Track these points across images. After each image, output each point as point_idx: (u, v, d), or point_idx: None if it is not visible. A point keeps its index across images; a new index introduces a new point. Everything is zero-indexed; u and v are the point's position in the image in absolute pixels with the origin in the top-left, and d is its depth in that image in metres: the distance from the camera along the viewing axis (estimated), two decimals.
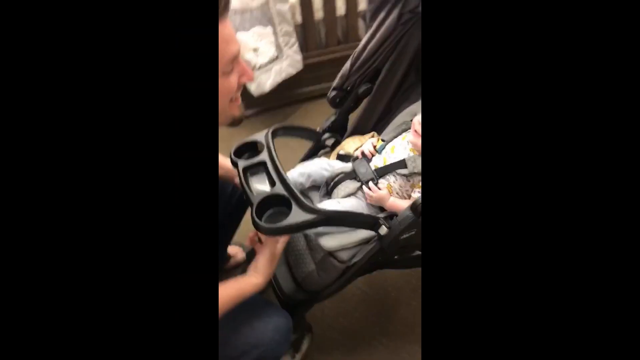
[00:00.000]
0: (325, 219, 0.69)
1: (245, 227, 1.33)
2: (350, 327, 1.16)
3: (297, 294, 0.94)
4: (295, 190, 0.70)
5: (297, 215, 0.68)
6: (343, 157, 0.94)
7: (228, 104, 0.64)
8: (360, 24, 1.89)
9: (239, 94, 0.66)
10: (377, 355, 1.10)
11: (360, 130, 1.01)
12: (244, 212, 1.10)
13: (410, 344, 1.11)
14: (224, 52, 0.55)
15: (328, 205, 0.83)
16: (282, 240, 0.76)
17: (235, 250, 1.36)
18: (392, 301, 1.21)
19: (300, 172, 0.88)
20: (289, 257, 0.99)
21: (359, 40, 1.98)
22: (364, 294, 1.24)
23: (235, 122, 0.68)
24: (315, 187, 0.92)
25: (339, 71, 0.93)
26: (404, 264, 1.01)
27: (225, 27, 0.56)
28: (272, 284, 0.97)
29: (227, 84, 0.60)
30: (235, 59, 0.59)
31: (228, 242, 1.21)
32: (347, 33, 1.89)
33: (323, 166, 0.89)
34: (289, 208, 0.69)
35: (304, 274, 0.92)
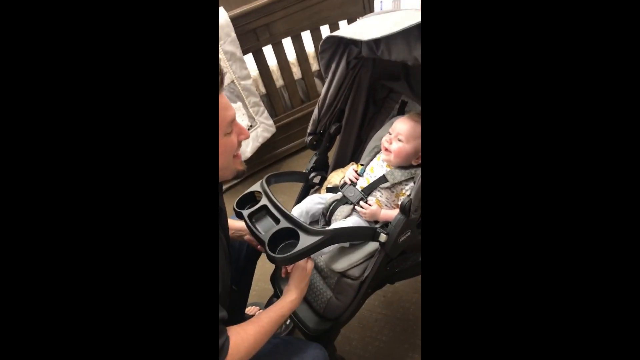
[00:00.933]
0: (330, 237, 0.78)
1: (260, 285, 1.39)
2: (380, 352, 1.18)
3: (322, 324, 0.98)
4: (299, 220, 0.79)
5: (306, 240, 0.77)
6: (332, 190, 1.05)
7: (232, 160, 0.75)
8: (317, 81, 2.12)
9: (239, 151, 0.78)
10: None
11: (340, 164, 1.14)
12: (254, 267, 1.16)
13: None
14: (224, 116, 0.67)
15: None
16: (309, 261, 0.84)
17: (254, 310, 1.39)
18: (413, 316, 1.26)
19: (298, 212, 0.98)
20: (307, 295, 1.04)
21: (319, 96, 2.19)
22: (385, 317, 1.28)
23: (239, 175, 0.78)
24: (314, 222, 1.02)
25: (306, 128, 1.08)
26: (413, 272, 1.08)
27: (223, 98, 0.68)
28: (296, 324, 1.02)
29: (230, 143, 0.72)
30: (233, 121, 0.71)
31: (245, 302, 1.25)
32: (307, 92, 2.11)
33: (316, 200, 1.00)
34: (298, 239, 0.78)
35: (324, 304, 0.98)
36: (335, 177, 1.08)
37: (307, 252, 0.76)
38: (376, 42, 0.89)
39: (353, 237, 0.85)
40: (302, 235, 0.77)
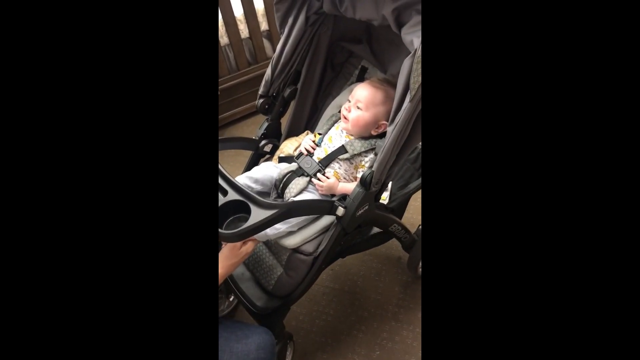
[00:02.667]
0: (286, 211, 0.70)
1: None
2: (327, 326, 1.17)
3: (270, 302, 0.93)
4: (250, 192, 0.70)
5: (258, 215, 0.68)
6: (285, 160, 0.97)
7: None
8: (266, 43, 1.96)
9: None
10: (360, 343, 1.12)
11: (294, 132, 1.05)
12: None
13: (387, 320, 1.16)
14: None
15: None
16: (249, 243, 0.76)
17: None
18: (360, 289, 1.25)
19: (248, 177, 0.89)
20: (254, 271, 0.97)
21: (268, 59, 2.03)
22: (333, 290, 1.26)
23: None
24: (265, 193, 0.93)
25: (253, 93, 0.96)
26: (364, 246, 1.06)
27: None
28: (242, 301, 0.95)
29: None
30: None
31: None
32: (254, 54, 1.95)
33: (270, 168, 0.91)
34: (248, 213, 0.69)
35: (274, 281, 0.92)
36: (288, 146, 0.99)
37: (260, 228, 0.68)
38: None
39: (310, 210, 0.79)
40: (253, 208, 0.69)
